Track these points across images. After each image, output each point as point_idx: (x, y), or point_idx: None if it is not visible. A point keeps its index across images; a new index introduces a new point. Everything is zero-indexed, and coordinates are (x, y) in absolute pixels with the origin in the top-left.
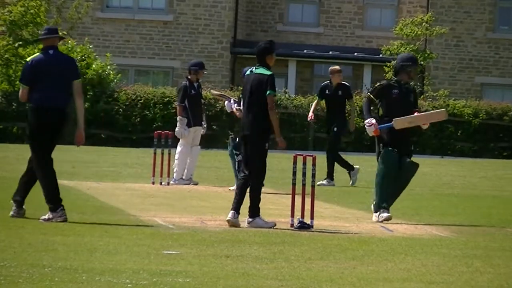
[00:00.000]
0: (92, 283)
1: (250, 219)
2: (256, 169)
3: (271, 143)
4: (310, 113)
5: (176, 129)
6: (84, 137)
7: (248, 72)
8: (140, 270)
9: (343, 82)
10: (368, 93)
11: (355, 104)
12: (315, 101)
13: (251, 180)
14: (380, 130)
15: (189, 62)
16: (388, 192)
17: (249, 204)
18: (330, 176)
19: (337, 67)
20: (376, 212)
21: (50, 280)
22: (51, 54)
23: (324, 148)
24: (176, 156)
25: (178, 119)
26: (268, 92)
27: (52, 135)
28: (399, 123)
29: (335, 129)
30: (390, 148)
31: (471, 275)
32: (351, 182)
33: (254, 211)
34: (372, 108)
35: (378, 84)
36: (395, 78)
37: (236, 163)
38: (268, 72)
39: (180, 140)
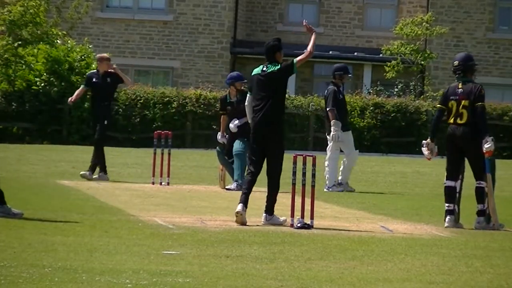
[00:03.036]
0: (92, 283)
1: (269, 217)
2: (278, 167)
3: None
4: (74, 97)
5: (332, 132)
6: None
7: (258, 71)
8: (140, 270)
9: (110, 71)
10: (484, 104)
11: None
12: (80, 88)
13: (272, 179)
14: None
15: (333, 66)
16: None
17: (267, 202)
18: (103, 169)
19: (105, 54)
20: (488, 222)
21: (50, 280)
22: None
23: (325, 148)
24: (326, 163)
25: (332, 123)
26: (293, 61)
27: None
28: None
29: (106, 121)
30: None
31: (471, 275)
32: (88, 173)
33: (272, 209)
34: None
35: (483, 89)
36: (466, 79)
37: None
38: (279, 65)
39: (330, 145)
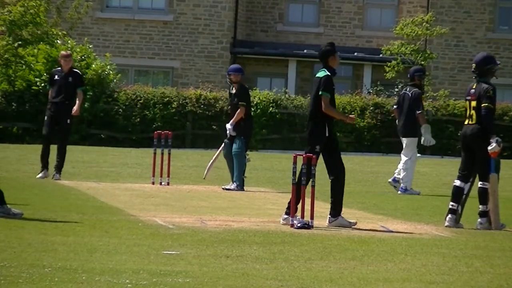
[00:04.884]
0: (92, 283)
1: (333, 218)
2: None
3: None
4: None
5: (423, 138)
6: None
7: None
8: (140, 270)
9: (74, 69)
10: (490, 105)
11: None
12: (49, 93)
13: (330, 180)
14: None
15: (411, 68)
16: None
17: (331, 204)
18: (60, 169)
19: (68, 52)
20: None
21: (50, 280)
22: None
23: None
24: (403, 166)
25: (423, 127)
26: (320, 93)
27: None
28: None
29: (68, 121)
30: None
31: (471, 275)
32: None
33: (336, 210)
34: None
35: (491, 90)
36: (484, 80)
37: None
38: (324, 74)
39: (408, 148)
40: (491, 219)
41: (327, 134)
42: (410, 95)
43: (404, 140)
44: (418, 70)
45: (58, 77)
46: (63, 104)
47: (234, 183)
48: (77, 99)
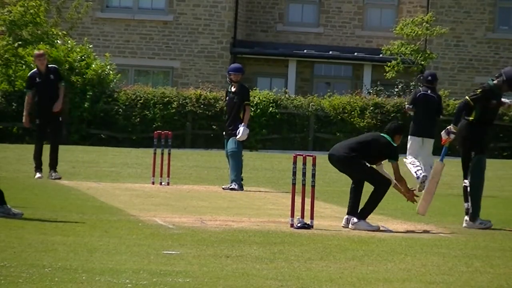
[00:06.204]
0: (92, 283)
1: (356, 220)
2: (375, 183)
3: None
4: (26, 118)
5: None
6: None
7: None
8: (140, 270)
9: (50, 66)
10: (469, 99)
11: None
12: (26, 99)
13: (376, 189)
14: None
15: (430, 72)
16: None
17: (363, 206)
18: (55, 167)
19: (40, 51)
20: (472, 220)
21: (50, 280)
22: None
23: (325, 148)
24: (431, 164)
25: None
26: (390, 160)
27: None
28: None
29: (60, 118)
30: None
31: (471, 275)
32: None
33: (363, 214)
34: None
35: (480, 89)
36: (490, 83)
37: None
38: (392, 144)
39: (431, 148)
40: (419, 202)
41: None
42: (436, 97)
43: (431, 140)
44: (434, 74)
45: (39, 79)
46: (53, 103)
47: (233, 182)
48: (59, 94)
